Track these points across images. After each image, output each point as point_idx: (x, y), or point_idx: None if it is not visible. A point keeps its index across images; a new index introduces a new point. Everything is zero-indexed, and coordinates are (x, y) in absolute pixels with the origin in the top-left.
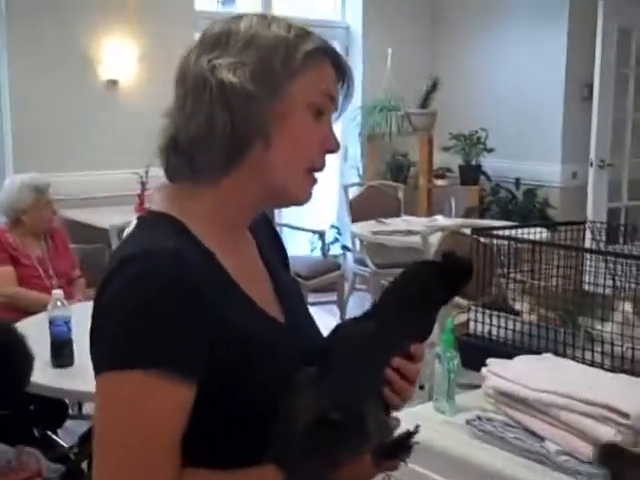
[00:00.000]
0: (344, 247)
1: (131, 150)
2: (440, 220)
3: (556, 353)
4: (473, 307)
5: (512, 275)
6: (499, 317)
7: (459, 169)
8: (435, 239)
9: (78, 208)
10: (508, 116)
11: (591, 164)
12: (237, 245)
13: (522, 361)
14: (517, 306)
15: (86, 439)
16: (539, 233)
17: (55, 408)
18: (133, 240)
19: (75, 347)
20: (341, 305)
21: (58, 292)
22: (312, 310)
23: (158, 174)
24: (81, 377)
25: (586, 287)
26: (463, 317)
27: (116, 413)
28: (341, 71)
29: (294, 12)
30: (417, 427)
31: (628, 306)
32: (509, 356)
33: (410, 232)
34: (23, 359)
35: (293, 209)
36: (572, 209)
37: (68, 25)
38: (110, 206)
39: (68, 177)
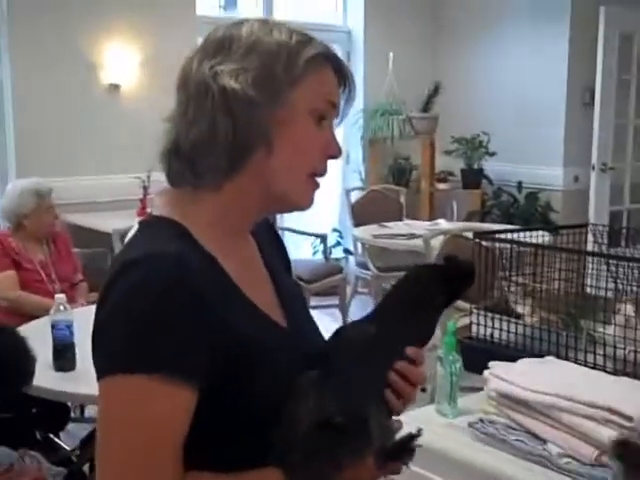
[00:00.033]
0: (346, 251)
1: (133, 155)
2: (442, 224)
3: (558, 356)
4: (475, 310)
5: (514, 278)
6: (501, 320)
7: (461, 173)
8: (437, 243)
9: (80, 212)
10: (510, 120)
11: (593, 168)
12: (239, 249)
13: (524, 364)
14: (519, 309)
15: (88, 442)
16: (541, 236)
17: (57, 411)
18: (135, 244)
19: (77, 351)
20: (343, 309)
21: (61, 296)
22: (314, 314)
23: (160, 179)
24: (83, 380)
25: (588, 290)
26: (465, 320)
27: (119, 416)
28: (343, 76)
29: (295, 16)
30: (420, 430)
31: (630, 309)
32: (511, 359)
33: (412, 236)
34: (24, 360)
35: (295, 213)
36: (574, 212)
37: (70, 28)
38: (112, 210)
39: (70, 181)
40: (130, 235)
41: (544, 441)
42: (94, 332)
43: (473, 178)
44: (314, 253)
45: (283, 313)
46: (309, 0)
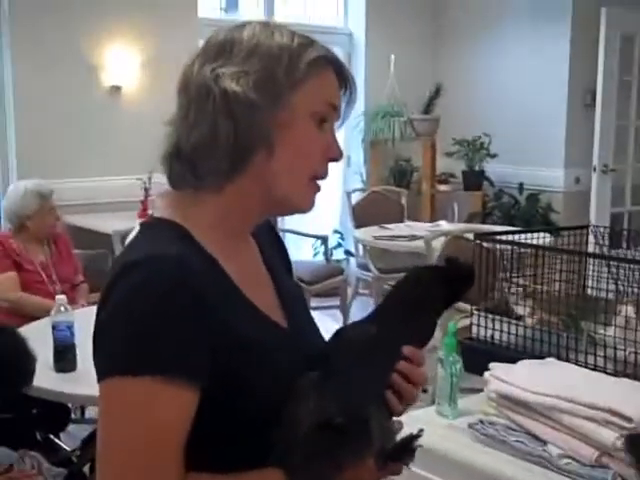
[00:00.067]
0: (347, 252)
1: (134, 156)
2: (443, 225)
3: (559, 357)
4: (476, 311)
5: (515, 280)
6: (502, 321)
7: (462, 174)
8: (438, 244)
9: (81, 214)
10: (511, 122)
11: (594, 169)
12: (240, 251)
13: (525, 365)
14: (520, 310)
15: (88, 443)
16: (542, 238)
17: (58, 412)
18: (136, 246)
19: (78, 352)
20: (344, 310)
21: (61, 297)
22: (315, 315)
23: (161, 180)
24: (84, 381)
25: (589, 291)
26: (466, 321)
27: (120, 418)
28: (344, 79)
29: (297, 19)
30: (420, 430)
31: (631, 310)
32: (512, 360)
33: (413, 237)
34: (24, 360)
35: (296, 214)
36: (575, 214)
37: (72, 29)
38: (113, 212)
39: (71, 183)
40: (131, 237)
41: (544, 442)
42: (95, 333)
43: (474, 180)
44: (315, 254)
45: (284, 314)
46: (310, 2)
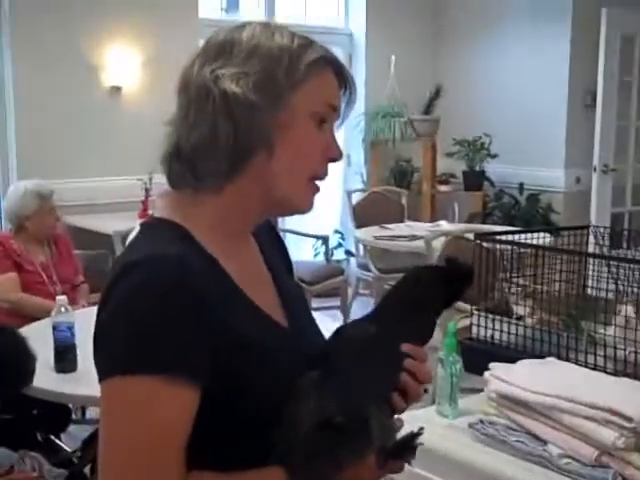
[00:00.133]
0: (347, 252)
1: (135, 157)
2: (443, 225)
3: (559, 357)
4: (476, 311)
5: (515, 280)
6: (502, 321)
7: (463, 175)
8: (438, 244)
9: (82, 214)
10: (511, 122)
11: (594, 169)
12: (240, 251)
13: (525, 365)
14: (520, 310)
15: (89, 444)
16: (542, 238)
17: (58, 413)
18: (137, 246)
19: (78, 352)
20: (344, 310)
21: (62, 298)
22: (315, 315)
23: (162, 181)
24: (84, 382)
25: (589, 291)
26: (466, 321)
27: (122, 417)
28: (343, 79)
29: (297, 19)
30: (421, 429)
31: (630, 310)
32: (512, 360)
33: (414, 237)
34: (25, 360)
35: (296, 215)
36: (575, 214)
37: (72, 29)
38: (113, 212)
39: (72, 183)
40: (131, 237)
41: (544, 442)
42: (95, 333)
43: (475, 180)
44: (315, 255)
45: (284, 314)
46: (311, 3)
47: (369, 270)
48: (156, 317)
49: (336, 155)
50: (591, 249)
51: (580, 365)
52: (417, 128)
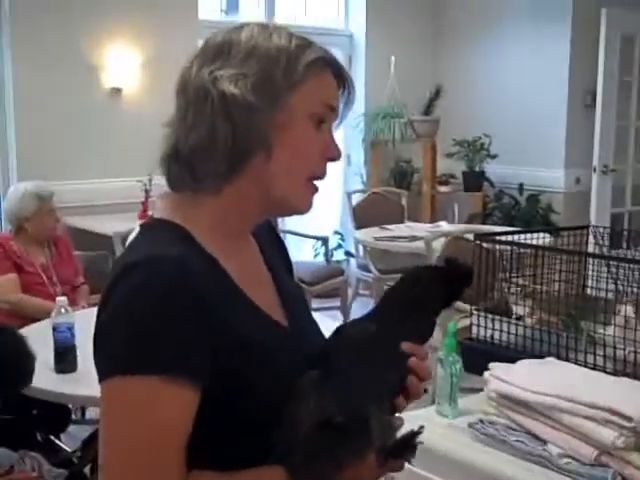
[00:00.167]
0: (347, 253)
1: (135, 158)
2: (443, 226)
3: (558, 357)
4: (475, 311)
5: (514, 280)
6: (501, 321)
7: (462, 175)
8: (438, 245)
9: (81, 215)
10: (511, 122)
11: (594, 169)
12: (240, 251)
13: (524, 365)
14: (519, 310)
15: (89, 444)
16: (542, 238)
17: (58, 413)
18: (137, 247)
19: (79, 353)
20: (344, 311)
21: (62, 299)
22: (315, 316)
23: (161, 182)
24: (84, 382)
25: (588, 291)
26: (465, 321)
27: (122, 417)
28: (342, 79)
29: (297, 20)
30: (421, 427)
31: (630, 310)
32: (511, 360)
33: (414, 238)
34: (24, 360)
35: (295, 215)
36: (575, 214)
37: (72, 29)
38: (113, 213)
39: (72, 185)
40: (131, 238)
41: (544, 442)
42: (95, 334)
43: (474, 180)
44: (315, 255)
45: (284, 313)
46: (311, 4)
47: (369, 271)
48: (156, 318)
49: (335, 155)
50: (591, 249)
51: (580, 365)
52: (417, 129)
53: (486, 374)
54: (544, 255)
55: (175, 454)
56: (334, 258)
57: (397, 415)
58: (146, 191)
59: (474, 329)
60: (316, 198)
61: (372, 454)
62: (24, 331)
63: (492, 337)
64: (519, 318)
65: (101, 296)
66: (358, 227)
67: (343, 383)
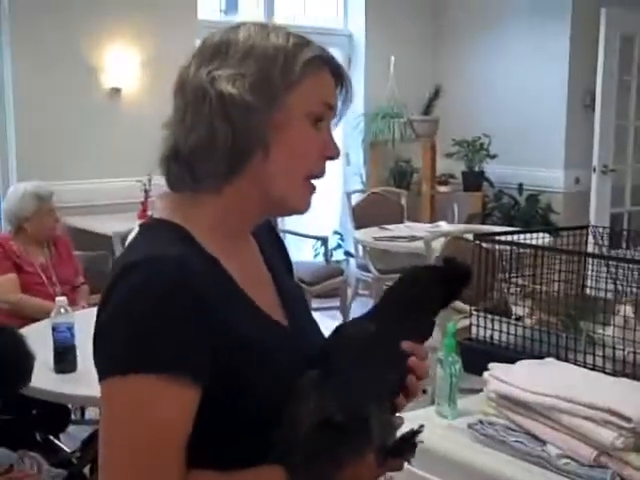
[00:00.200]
0: (347, 253)
1: (134, 158)
2: (443, 226)
3: (558, 357)
4: (475, 312)
5: (514, 280)
6: (501, 322)
7: (462, 175)
8: (438, 245)
9: (81, 215)
10: (511, 122)
11: (594, 169)
12: (240, 251)
13: (524, 365)
14: (519, 311)
15: (88, 444)
16: (541, 238)
17: (58, 413)
18: (136, 247)
19: (78, 353)
20: (344, 310)
21: (62, 299)
22: (315, 316)
23: (161, 182)
24: (84, 382)
25: (588, 291)
26: (465, 322)
27: (122, 417)
28: (339, 78)
29: (297, 20)
30: (421, 426)
31: (629, 310)
32: (511, 360)
33: (413, 238)
34: (24, 360)
35: (296, 215)
36: (575, 214)
37: (72, 29)
38: (113, 214)
39: (71, 185)
40: (131, 238)
41: (543, 442)
42: (95, 334)
43: (474, 180)
44: (315, 255)
45: (284, 313)
46: (310, 4)
47: (368, 271)
48: (156, 317)
49: (333, 153)
50: (590, 249)
51: (579, 365)
52: (416, 129)
53: (485, 374)
54: (543, 255)
55: (175, 454)
56: (334, 258)
57: (397, 414)
58: (146, 191)
59: (473, 329)
60: (315, 198)
61: (372, 453)
62: (24, 331)
63: (491, 337)
64: (518, 318)
65: (101, 296)
66: (357, 227)
67: (343, 383)
